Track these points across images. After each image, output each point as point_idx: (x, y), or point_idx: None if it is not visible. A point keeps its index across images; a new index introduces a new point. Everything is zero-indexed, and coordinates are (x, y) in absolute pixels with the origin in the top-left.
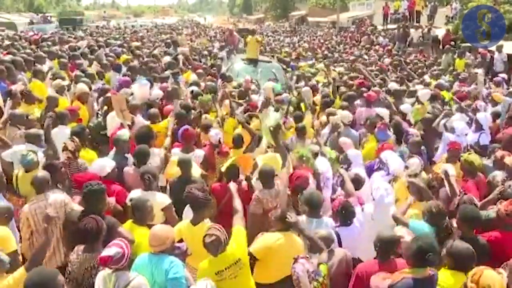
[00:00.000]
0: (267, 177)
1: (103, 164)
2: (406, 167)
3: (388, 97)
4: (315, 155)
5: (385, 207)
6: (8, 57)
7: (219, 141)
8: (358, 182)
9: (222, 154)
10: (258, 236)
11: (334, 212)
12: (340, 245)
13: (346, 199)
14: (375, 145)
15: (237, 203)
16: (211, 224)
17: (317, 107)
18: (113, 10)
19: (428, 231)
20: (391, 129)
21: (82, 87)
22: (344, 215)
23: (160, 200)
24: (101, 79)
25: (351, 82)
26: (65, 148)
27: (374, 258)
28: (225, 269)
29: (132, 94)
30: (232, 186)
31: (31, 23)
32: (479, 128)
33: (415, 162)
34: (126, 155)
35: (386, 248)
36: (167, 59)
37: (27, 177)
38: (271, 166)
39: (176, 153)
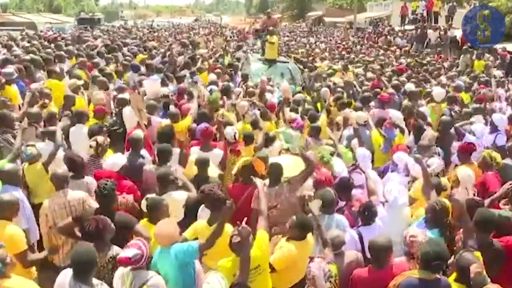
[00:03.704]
0: (273, 173)
1: (114, 161)
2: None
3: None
4: (331, 155)
5: (399, 209)
6: (28, 56)
7: (234, 137)
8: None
9: (234, 153)
10: (275, 241)
11: (357, 211)
12: (362, 245)
13: (368, 200)
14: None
15: (263, 203)
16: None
17: (332, 108)
18: (140, 10)
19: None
20: (412, 131)
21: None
22: (367, 216)
23: (178, 197)
24: (120, 78)
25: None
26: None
27: (369, 264)
28: None
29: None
30: (259, 183)
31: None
32: (495, 129)
33: (435, 161)
34: (142, 153)
35: (379, 254)
36: (181, 59)
37: (31, 168)
38: (280, 164)
39: (195, 152)
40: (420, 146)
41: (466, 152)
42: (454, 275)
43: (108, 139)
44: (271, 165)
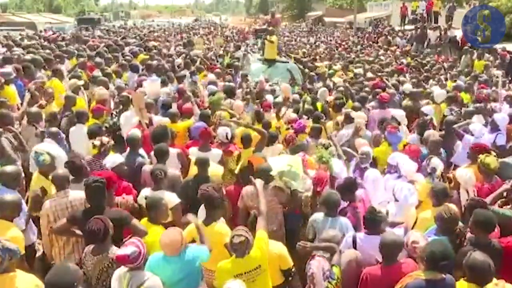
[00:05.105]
0: (262, 175)
1: (111, 160)
2: (434, 169)
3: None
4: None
5: (408, 208)
6: (28, 56)
7: (227, 138)
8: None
9: (226, 153)
10: None
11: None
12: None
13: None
14: (386, 148)
15: (262, 203)
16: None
17: (330, 108)
18: (143, 10)
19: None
20: (415, 130)
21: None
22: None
23: (169, 199)
24: (119, 78)
25: (366, 83)
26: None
27: (379, 262)
28: (245, 273)
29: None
30: (259, 183)
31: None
32: (495, 128)
33: (438, 162)
34: (140, 153)
35: (390, 252)
36: (180, 60)
37: (38, 178)
38: (266, 168)
39: (194, 153)
40: (432, 142)
41: (479, 153)
42: (466, 276)
43: (112, 141)
44: (260, 168)
